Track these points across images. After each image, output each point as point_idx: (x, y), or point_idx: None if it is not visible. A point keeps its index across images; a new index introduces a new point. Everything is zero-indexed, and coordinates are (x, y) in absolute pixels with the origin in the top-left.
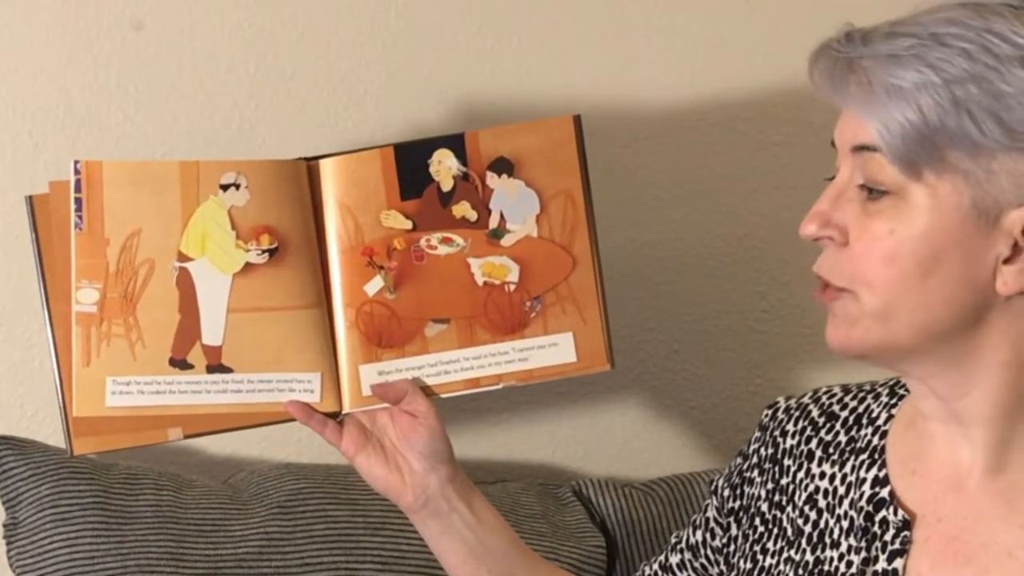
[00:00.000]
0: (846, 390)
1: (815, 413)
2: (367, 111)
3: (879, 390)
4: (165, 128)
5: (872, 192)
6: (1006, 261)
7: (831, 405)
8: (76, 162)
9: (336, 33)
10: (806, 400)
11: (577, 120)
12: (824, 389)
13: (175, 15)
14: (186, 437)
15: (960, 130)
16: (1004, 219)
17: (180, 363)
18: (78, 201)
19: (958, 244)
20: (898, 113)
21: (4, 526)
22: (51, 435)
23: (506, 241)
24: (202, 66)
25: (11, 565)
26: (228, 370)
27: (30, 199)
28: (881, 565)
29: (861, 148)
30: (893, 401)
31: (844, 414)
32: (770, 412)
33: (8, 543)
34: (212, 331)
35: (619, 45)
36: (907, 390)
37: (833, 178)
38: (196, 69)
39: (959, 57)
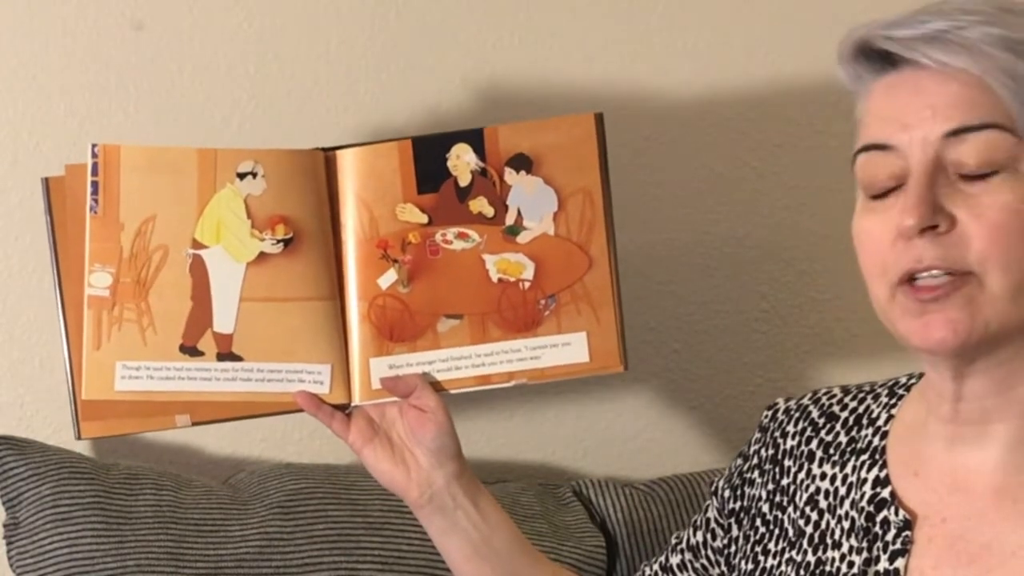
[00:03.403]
0: (845, 391)
1: (815, 414)
2: (367, 111)
3: (879, 391)
4: (165, 128)
5: (973, 177)
6: None
7: (831, 406)
8: (94, 145)
9: (336, 33)
10: (806, 401)
11: (599, 118)
12: (824, 390)
13: (175, 15)
14: (194, 424)
15: None
16: None
17: (190, 350)
18: (94, 184)
19: None
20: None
21: (4, 526)
22: (51, 435)
23: (522, 238)
24: (202, 66)
25: (11, 565)
26: (238, 358)
27: (46, 181)
28: (883, 565)
29: (962, 131)
30: (893, 402)
31: (844, 415)
32: (770, 413)
33: (8, 543)
34: (224, 319)
35: (618, 45)
36: (907, 390)
37: (878, 196)
38: (196, 69)
39: None
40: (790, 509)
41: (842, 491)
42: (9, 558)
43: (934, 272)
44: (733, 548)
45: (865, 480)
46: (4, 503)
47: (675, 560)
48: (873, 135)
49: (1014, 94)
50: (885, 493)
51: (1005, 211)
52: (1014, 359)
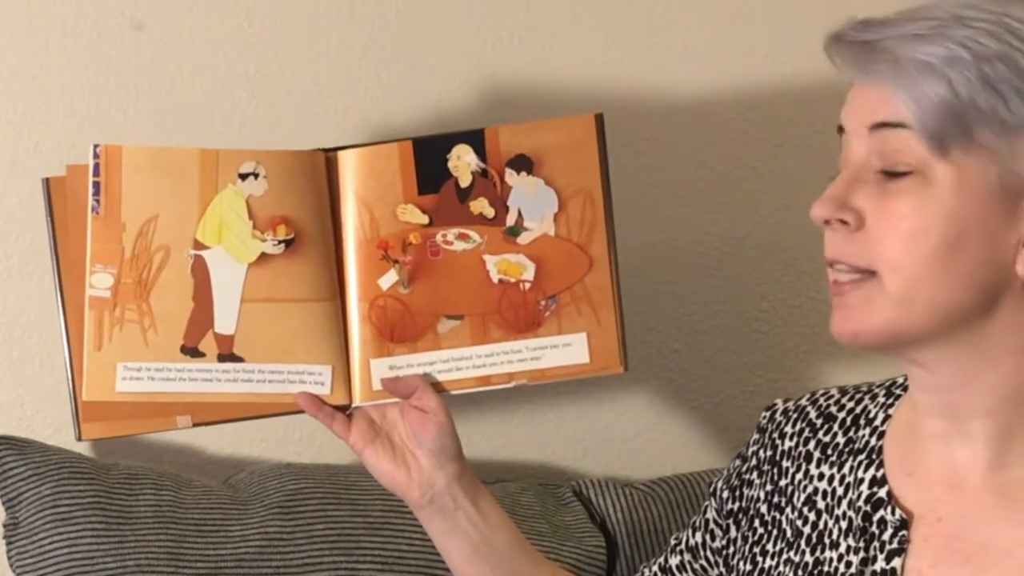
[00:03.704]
0: (843, 392)
1: (813, 415)
2: (367, 111)
3: (876, 391)
4: (165, 128)
5: (891, 175)
6: None
7: (828, 407)
8: (96, 146)
9: (336, 33)
10: (804, 402)
11: (599, 119)
12: (821, 391)
13: (175, 15)
14: (195, 425)
15: (989, 107)
16: None
17: (192, 351)
18: (96, 185)
19: (981, 223)
20: (929, 88)
21: (4, 526)
22: (51, 435)
23: (523, 239)
24: (202, 66)
25: (11, 565)
26: (239, 360)
27: (47, 181)
28: (880, 565)
29: (883, 125)
30: (890, 402)
31: (842, 415)
32: (768, 414)
33: (8, 543)
34: (225, 320)
35: (618, 45)
36: (904, 390)
37: (835, 177)
38: (196, 69)
39: (984, 36)
40: (788, 510)
41: (840, 491)
42: (9, 558)
43: (843, 267)
44: (732, 549)
45: (862, 480)
46: (4, 503)
47: (674, 561)
48: (840, 117)
49: (916, 113)
50: (882, 493)
51: (902, 217)
52: (955, 358)
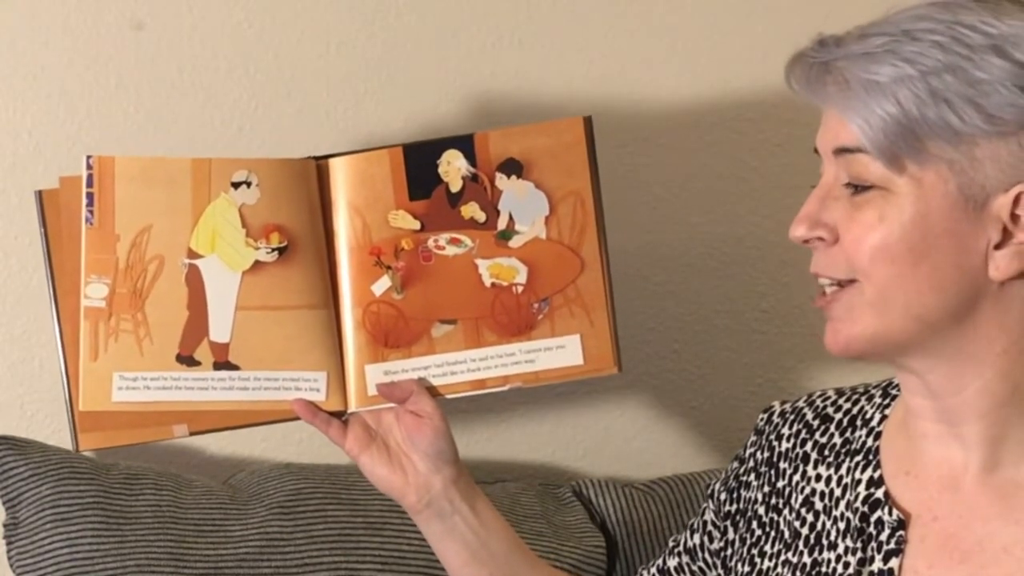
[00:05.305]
0: (840, 392)
1: (809, 416)
2: (367, 111)
3: (872, 391)
4: (165, 128)
5: (858, 188)
6: (997, 247)
7: (825, 408)
8: (88, 157)
9: (336, 33)
10: (800, 404)
11: (588, 121)
12: (818, 393)
13: (175, 15)
14: (192, 434)
15: (940, 120)
16: (991, 204)
17: (187, 360)
18: (89, 196)
19: (948, 231)
20: (877, 108)
21: (4, 526)
22: (51, 435)
23: (514, 243)
24: (202, 66)
25: (11, 565)
26: (235, 367)
27: (39, 193)
28: (877, 565)
29: (843, 150)
30: (886, 402)
31: (838, 416)
32: (765, 416)
33: (8, 543)
34: (220, 328)
35: (618, 45)
36: (900, 390)
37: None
38: (196, 69)
39: (932, 49)
40: (786, 511)
41: (837, 492)
42: (9, 558)
43: (825, 281)
44: (730, 551)
45: (859, 481)
46: (4, 503)
47: (672, 563)
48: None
49: (868, 135)
50: (879, 493)
51: (869, 227)
52: (944, 364)
